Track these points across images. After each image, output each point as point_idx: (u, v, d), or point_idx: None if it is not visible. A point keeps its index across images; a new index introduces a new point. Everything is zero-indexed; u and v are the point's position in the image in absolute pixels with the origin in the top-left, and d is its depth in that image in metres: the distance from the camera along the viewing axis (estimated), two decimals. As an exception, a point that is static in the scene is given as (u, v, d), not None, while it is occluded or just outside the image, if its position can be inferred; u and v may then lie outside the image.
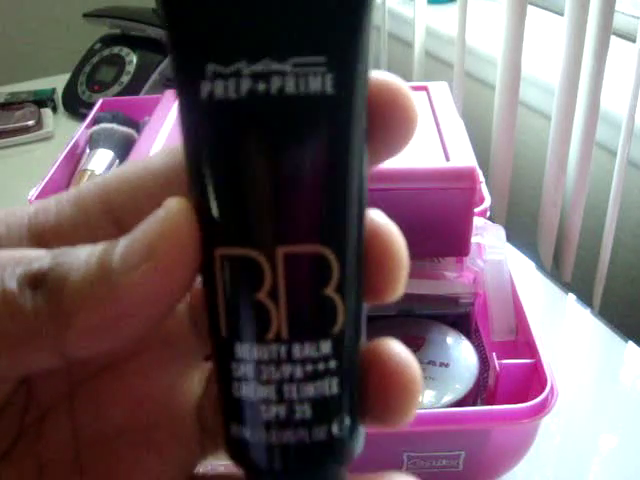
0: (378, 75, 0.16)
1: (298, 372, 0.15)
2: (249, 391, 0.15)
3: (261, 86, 0.14)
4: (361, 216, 0.16)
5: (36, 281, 0.14)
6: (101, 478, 0.17)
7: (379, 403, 0.16)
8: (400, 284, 0.16)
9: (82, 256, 0.15)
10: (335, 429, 0.15)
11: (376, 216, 0.16)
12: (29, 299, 0.14)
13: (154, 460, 0.18)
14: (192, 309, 0.18)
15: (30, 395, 0.18)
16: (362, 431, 0.16)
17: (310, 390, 0.15)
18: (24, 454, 0.17)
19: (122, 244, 0.15)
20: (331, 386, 0.15)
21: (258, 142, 0.14)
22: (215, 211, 0.15)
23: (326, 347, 0.15)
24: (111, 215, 0.17)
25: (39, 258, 0.15)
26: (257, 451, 0.15)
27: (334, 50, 0.14)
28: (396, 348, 0.16)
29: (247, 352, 0.15)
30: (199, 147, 0.15)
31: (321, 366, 0.15)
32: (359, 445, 0.16)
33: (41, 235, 0.16)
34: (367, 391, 0.16)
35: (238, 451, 0.16)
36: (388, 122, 0.16)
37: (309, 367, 0.15)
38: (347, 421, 0.16)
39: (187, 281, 0.15)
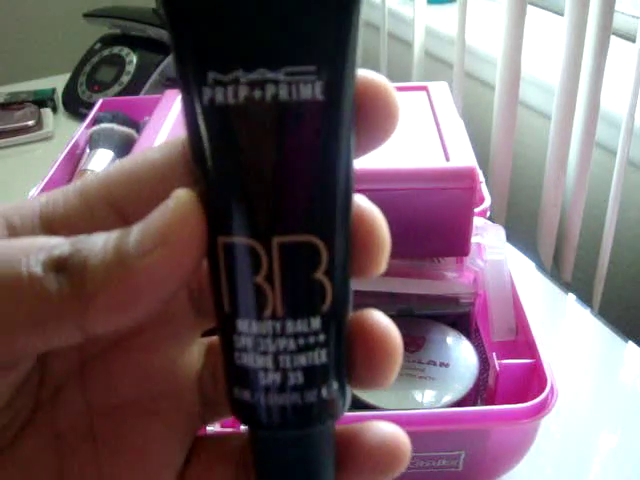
0: (363, 73, 0.17)
1: (291, 345, 0.17)
2: (249, 360, 0.17)
3: (257, 93, 0.16)
4: (348, 206, 0.17)
5: (58, 266, 0.16)
6: (113, 445, 0.19)
7: (364, 367, 0.18)
8: (383, 261, 0.18)
9: (99, 243, 0.16)
10: (324, 392, 0.18)
11: (361, 201, 0.18)
12: (53, 282, 0.16)
13: (160, 427, 0.20)
14: (191, 290, 0.20)
15: (44, 372, 0.19)
16: (348, 392, 0.19)
17: (302, 360, 0.17)
18: (42, 425, 0.19)
19: (135, 231, 0.16)
20: (320, 356, 0.17)
21: (254, 144, 0.16)
22: (218, 204, 0.17)
23: (316, 323, 0.17)
24: (114, 205, 0.18)
25: (58, 245, 0.16)
26: (256, 410, 0.18)
27: (323, 60, 0.16)
28: (379, 317, 0.18)
29: (247, 327, 0.17)
30: (202, 147, 0.16)
31: (312, 339, 0.17)
32: (346, 404, 0.18)
33: (51, 224, 0.18)
34: (353, 357, 0.18)
35: (240, 410, 0.18)
36: (373, 117, 0.17)
37: (301, 340, 0.17)
38: (335, 385, 0.18)
39: (194, 264, 0.16)
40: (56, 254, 0.16)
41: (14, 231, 0.18)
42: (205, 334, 0.21)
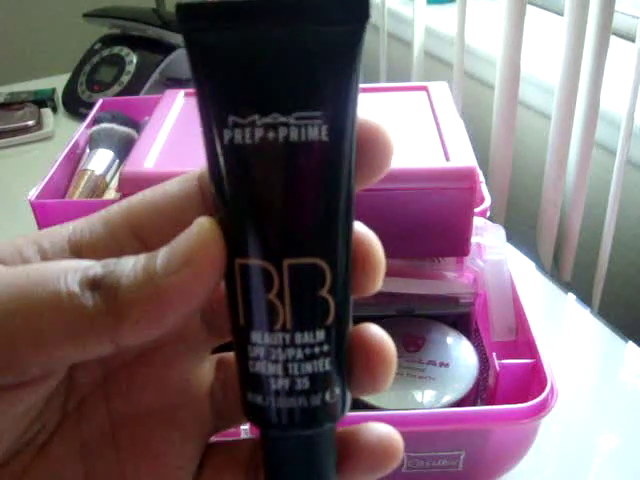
0: (363, 117, 0.19)
1: (299, 354, 0.19)
2: (261, 368, 0.19)
3: (270, 134, 0.18)
4: (349, 232, 0.20)
5: (93, 285, 0.18)
6: (134, 451, 0.21)
7: (364, 374, 0.20)
8: (379, 281, 0.20)
9: (129, 264, 0.18)
10: (327, 397, 0.20)
11: (359, 227, 0.20)
12: (89, 299, 0.18)
13: (177, 435, 0.21)
14: (204, 311, 0.22)
15: (71, 384, 0.21)
16: (349, 397, 0.21)
17: (308, 368, 0.19)
18: (68, 434, 0.21)
19: (162, 254, 0.18)
20: (324, 364, 0.19)
21: (267, 178, 0.18)
22: (235, 230, 0.19)
23: (321, 335, 0.19)
24: (136, 233, 0.20)
25: (91, 266, 0.18)
26: (267, 412, 0.20)
27: (328, 107, 0.18)
28: (376, 330, 0.20)
29: (260, 338, 0.19)
30: (222, 180, 0.19)
31: (317, 349, 0.19)
32: (346, 407, 0.20)
33: (79, 250, 0.20)
34: (353, 365, 0.20)
35: (253, 412, 0.20)
36: (371, 155, 0.20)
37: (307, 350, 0.19)
38: (337, 390, 0.20)
39: (215, 283, 0.18)
40: (91, 274, 0.18)
41: (45, 256, 0.19)
42: (214, 351, 0.23)
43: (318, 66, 0.18)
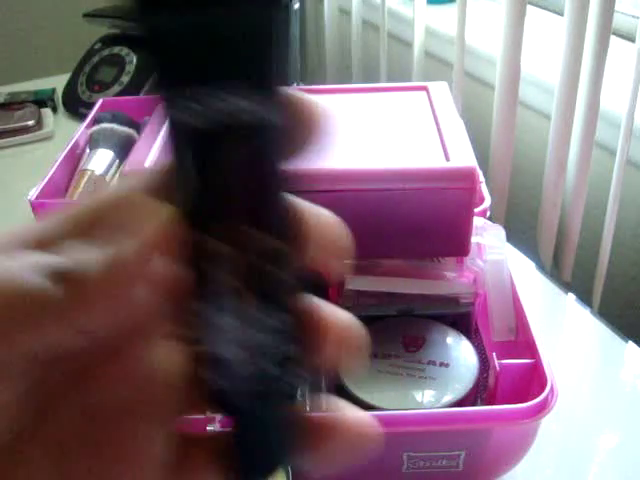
0: (294, 93, 0.20)
1: (261, 336, 0.19)
2: (222, 350, 0.20)
3: (215, 116, 0.18)
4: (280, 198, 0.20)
5: (57, 275, 0.18)
6: (113, 448, 0.21)
7: (330, 349, 0.21)
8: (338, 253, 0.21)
9: (93, 253, 0.18)
10: (293, 378, 0.20)
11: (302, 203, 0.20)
12: (52, 289, 0.17)
13: (150, 428, 0.21)
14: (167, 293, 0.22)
15: (41, 384, 0.20)
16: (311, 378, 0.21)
17: (271, 350, 0.20)
18: (40, 436, 0.20)
19: (117, 234, 0.18)
20: (288, 346, 0.20)
21: (213, 159, 0.19)
22: (190, 199, 0.19)
23: (283, 316, 0.20)
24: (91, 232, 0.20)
25: (55, 257, 0.18)
26: (231, 398, 0.20)
27: (257, 81, 0.19)
28: (332, 309, 0.21)
29: (220, 320, 0.19)
30: (174, 162, 0.19)
31: (279, 330, 0.20)
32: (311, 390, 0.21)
33: (43, 246, 0.19)
34: (317, 348, 0.21)
35: (217, 399, 0.20)
36: (304, 128, 0.20)
37: (269, 332, 0.19)
38: (301, 373, 0.20)
39: (171, 256, 0.19)
40: (54, 264, 0.18)
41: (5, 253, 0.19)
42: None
43: (244, 47, 0.18)
